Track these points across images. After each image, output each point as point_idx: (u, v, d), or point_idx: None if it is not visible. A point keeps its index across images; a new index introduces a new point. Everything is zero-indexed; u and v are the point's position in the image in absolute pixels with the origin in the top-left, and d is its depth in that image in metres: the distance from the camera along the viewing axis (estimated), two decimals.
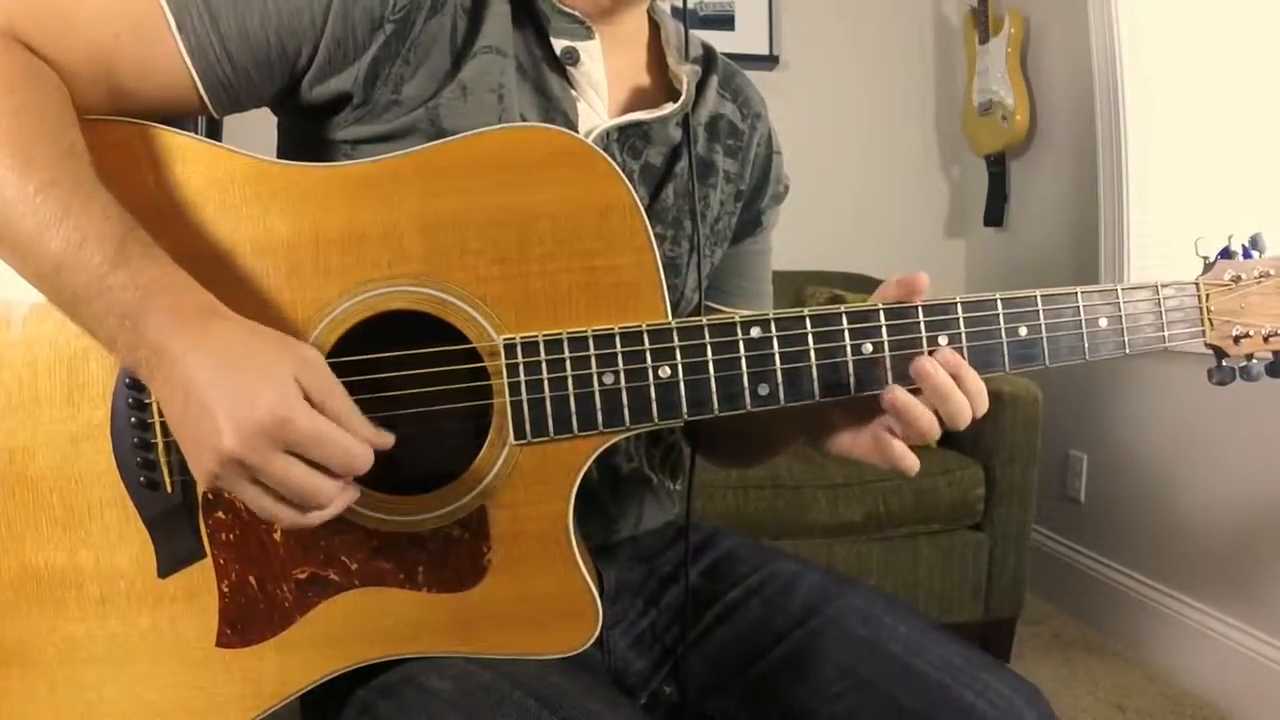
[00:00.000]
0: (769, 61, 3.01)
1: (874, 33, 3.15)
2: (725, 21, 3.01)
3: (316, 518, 0.67)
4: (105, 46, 0.72)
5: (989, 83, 2.88)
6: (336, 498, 0.67)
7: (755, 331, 0.74)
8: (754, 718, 0.88)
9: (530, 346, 0.72)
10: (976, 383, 0.74)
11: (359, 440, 0.66)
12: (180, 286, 0.66)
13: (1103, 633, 2.48)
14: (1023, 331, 0.77)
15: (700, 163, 0.91)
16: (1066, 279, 2.64)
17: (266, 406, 0.62)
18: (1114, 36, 2.44)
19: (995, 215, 3.00)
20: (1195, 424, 2.23)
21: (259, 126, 0.87)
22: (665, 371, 0.73)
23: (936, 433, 0.74)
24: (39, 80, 0.69)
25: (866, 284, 2.85)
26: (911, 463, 0.77)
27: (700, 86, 0.93)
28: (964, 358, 0.75)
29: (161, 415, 0.72)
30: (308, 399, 0.64)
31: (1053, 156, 2.80)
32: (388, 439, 0.68)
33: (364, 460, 0.66)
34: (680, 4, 0.91)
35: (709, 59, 0.97)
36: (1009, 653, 2.30)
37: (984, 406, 0.75)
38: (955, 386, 0.73)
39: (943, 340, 0.75)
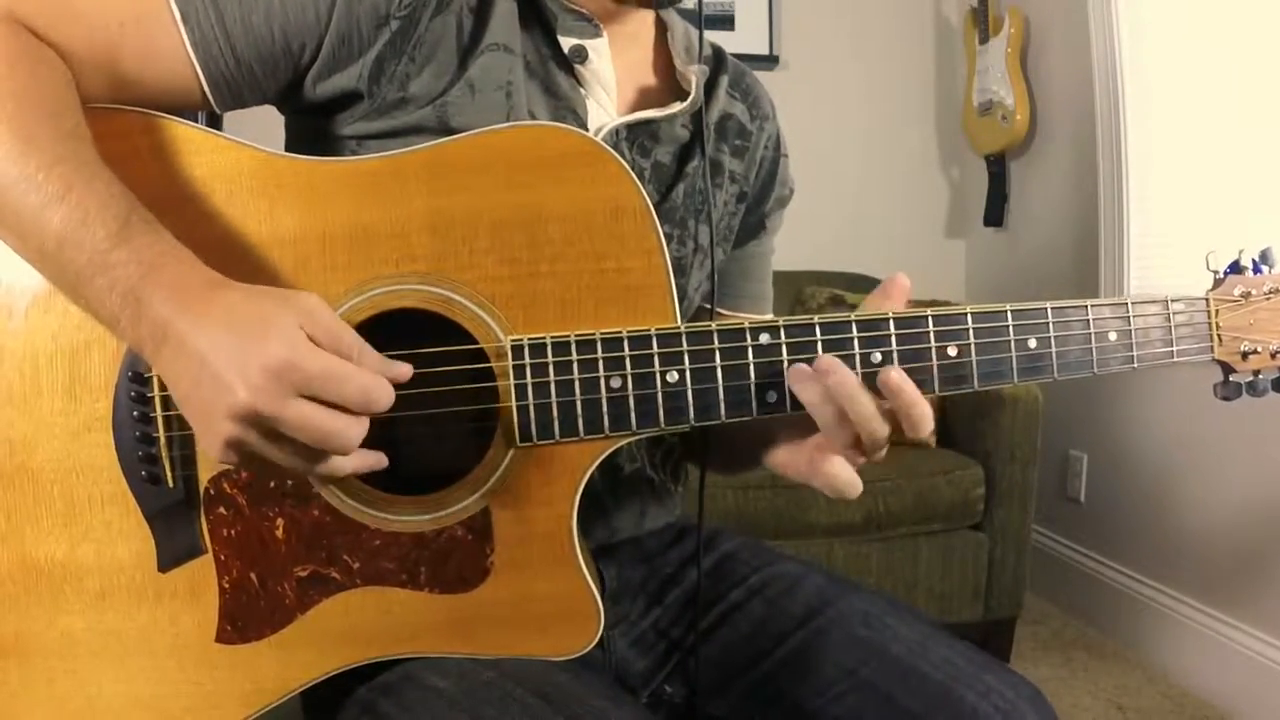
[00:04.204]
0: (769, 61, 3.01)
1: (874, 33, 3.14)
2: (725, 21, 3.00)
3: (344, 465, 0.66)
4: (109, 34, 0.72)
5: (989, 83, 2.88)
6: (358, 436, 0.65)
7: (764, 338, 0.73)
8: (756, 718, 0.88)
9: (538, 348, 0.72)
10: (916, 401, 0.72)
11: (374, 374, 0.65)
12: (183, 262, 0.65)
13: (1103, 633, 2.49)
14: (1032, 343, 0.75)
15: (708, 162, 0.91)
16: (1067, 279, 2.65)
17: (273, 353, 0.61)
18: (1114, 36, 2.44)
19: (995, 215, 3.00)
20: (1195, 424, 2.23)
21: (264, 120, 0.87)
22: (673, 376, 0.73)
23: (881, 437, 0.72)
24: (41, 63, 0.69)
25: (867, 284, 2.85)
26: (850, 482, 0.75)
27: (709, 86, 0.92)
28: (973, 369, 0.74)
29: (165, 409, 0.71)
30: (315, 345, 0.63)
31: (1053, 156, 2.80)
32: (404, 369, 0.67)
33: (382, 394, 0.65)
34: (693, 4, 0.90)
35: (718, 59, 0.96)
36: (1009, 653, 2.30)
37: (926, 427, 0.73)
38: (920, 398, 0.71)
39: (952, 351, 0.74)
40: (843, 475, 0.75)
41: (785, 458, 0.81)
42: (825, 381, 0.71)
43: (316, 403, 0.63)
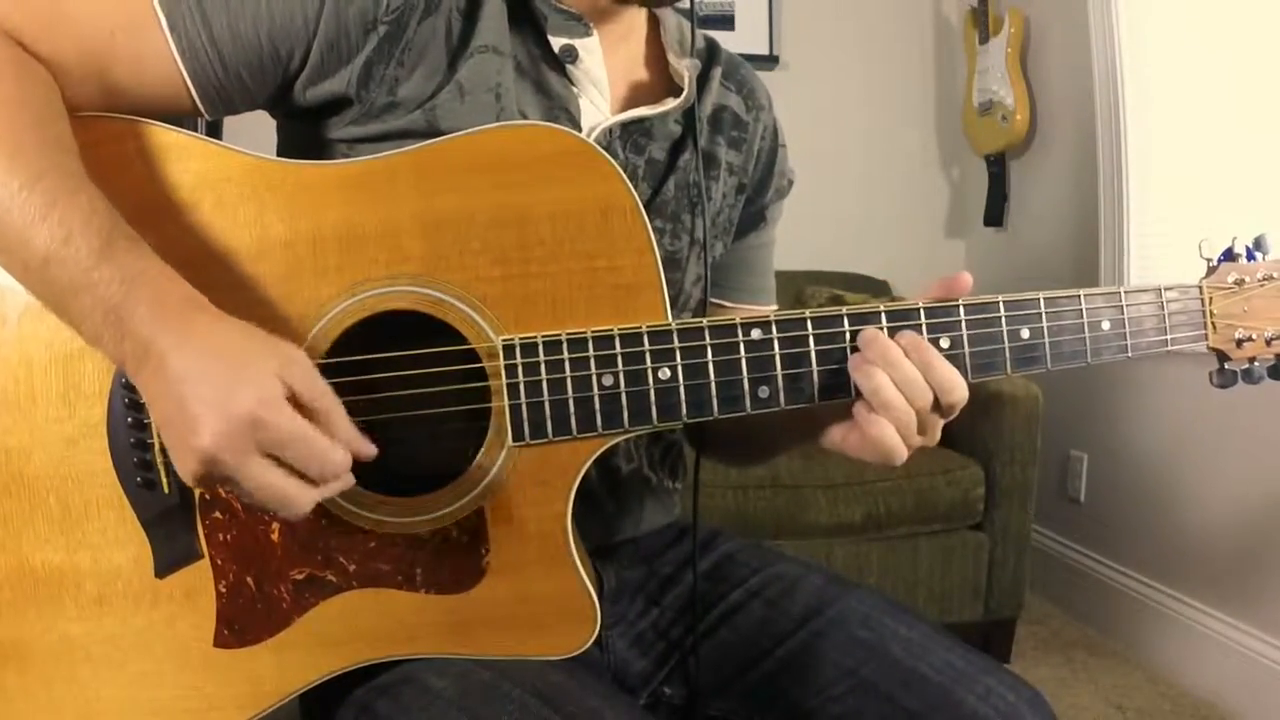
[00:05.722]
0: (769, 61, 3.01)
1: (874, 33, 3.14)
2: (725, 21, 3.00)
3: (300, 511, 0.66)
4: (98, 44, 0.72)
5: (989, 83, 2.88)
6: (309, 504, 0.65)
7: (756, 333, 0.73)
8: (755, 719, 0.88)
9: (529, 347, 0.72)
10: (947, 375, 0.73)
11: (337, 446, 0.65)
12: (164, 280, 0.65)
13: (1103, 633, 2.48)
14: (1025, 334, 0.76)
15: (702, 155, 0.91)
16: (1066, 279, 2.65)
17: (243, 401, 0.61)
18: (1114, 36, 2.44)
19: (995, 215, 3.00)
20: (1195, 424, 2.23)
21: (258, 126, 0.87)
22: (665, 373, 0.73)
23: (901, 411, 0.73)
24: (26, 74, 0.69)
25: (866, 284, 2.85)
26: (896, 447, 0.74)
27: (702, 80, 0.92)
28: (966, 361, 0.74)
29: None
30: (293, 399, 0.64)
31: (1053, 156, 2.80)
32: (369, 450, 0.67)
33: (340, 467, 0.65)
34: (687, 3, 0.91)
35: (711, 52, 0.96)
36: (1009, 653, 2.30)
37: (955, 398, 0.73)
38: (903, 358, 0.72)
39: (944, 343, 0.74)
40: (888, 438, 0.74)
41: (840, 434, 0.79)
42: (869, 355, 0.72)
43: (276, 462, 0.63)
